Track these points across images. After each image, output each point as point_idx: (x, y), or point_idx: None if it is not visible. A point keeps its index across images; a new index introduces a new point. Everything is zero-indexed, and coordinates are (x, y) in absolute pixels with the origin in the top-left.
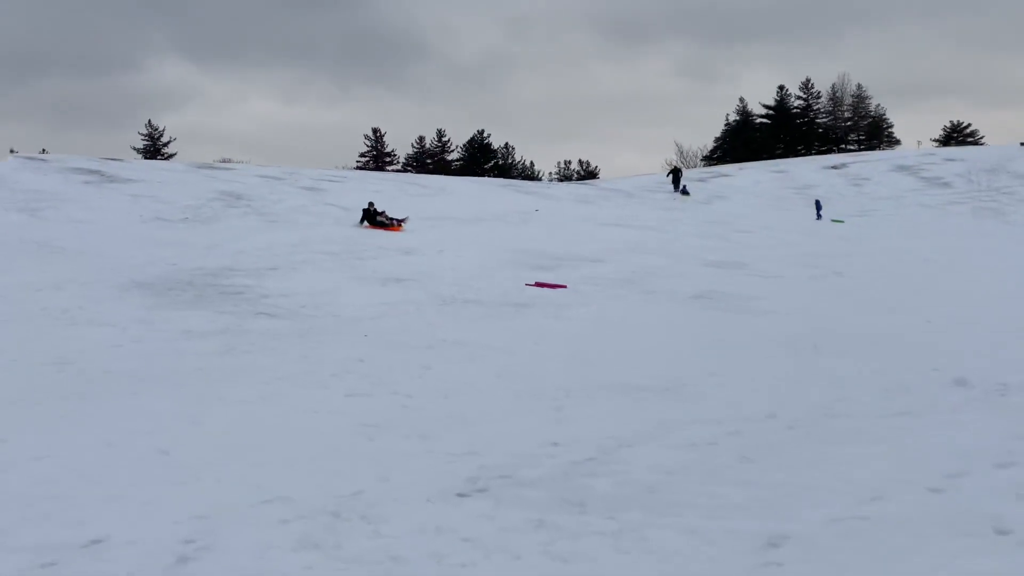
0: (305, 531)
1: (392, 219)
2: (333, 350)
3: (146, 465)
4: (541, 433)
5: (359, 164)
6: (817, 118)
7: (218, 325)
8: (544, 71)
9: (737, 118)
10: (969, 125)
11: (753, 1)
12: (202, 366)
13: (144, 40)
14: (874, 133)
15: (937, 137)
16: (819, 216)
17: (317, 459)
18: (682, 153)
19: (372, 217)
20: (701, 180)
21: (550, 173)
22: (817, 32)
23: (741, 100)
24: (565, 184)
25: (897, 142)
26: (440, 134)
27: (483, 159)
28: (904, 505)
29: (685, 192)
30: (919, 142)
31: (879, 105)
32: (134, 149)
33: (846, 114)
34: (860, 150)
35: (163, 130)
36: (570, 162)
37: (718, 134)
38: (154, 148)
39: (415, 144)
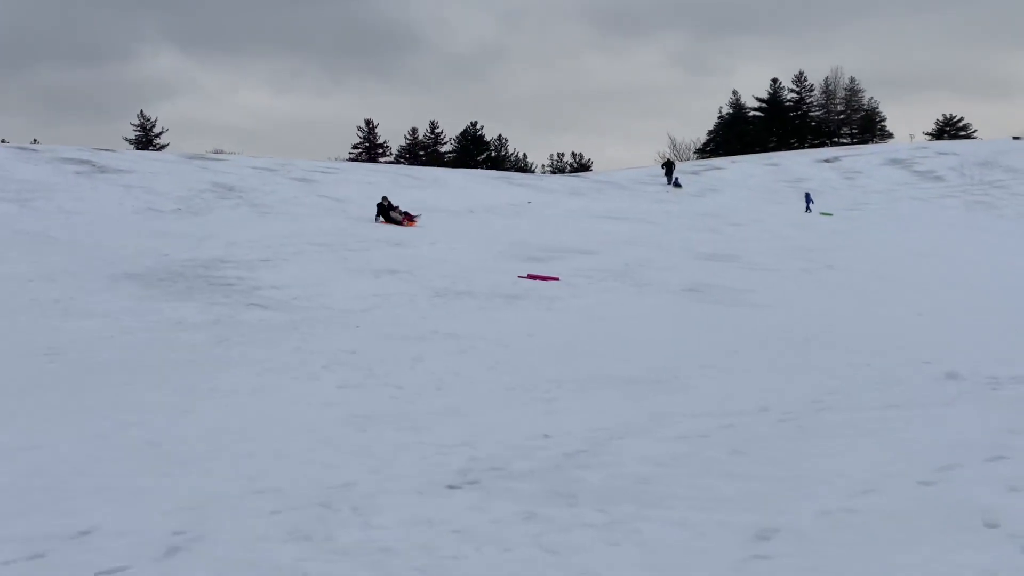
0: (296, 522)
1: (406, 213)
2: (325, 342)
3: (136, 456)
4: (533, 425)
5: (351, 156)
6: (810, 111)
7: (209, 316)
8: (537, 63)
9: (730, 111)
10: (962, 119)
11: None
12: (193, 357)
13: (136, 30)
14: (867, 126)
15: (930, 131)
16: (808, 209)
17: (308, 450)
18: (675, 146)
19: (386, 212)
20: (694, 173)
21: (543, 165)
22: (810, 25)
23: (734, 93)
24: (558, 176)
25: (890, 135)
26: (433, 126)
27: (476, 151)
28: (895, 498)
29: (677, 184)
30: (912, 135)
31: (872, 98)
32: (126, 140)
33: (839, 107)
34: (853, 143)
35: (155, 121)
36: (563, 154)
37: (711, 127)
38: (146, 139)
39: (408, 136)
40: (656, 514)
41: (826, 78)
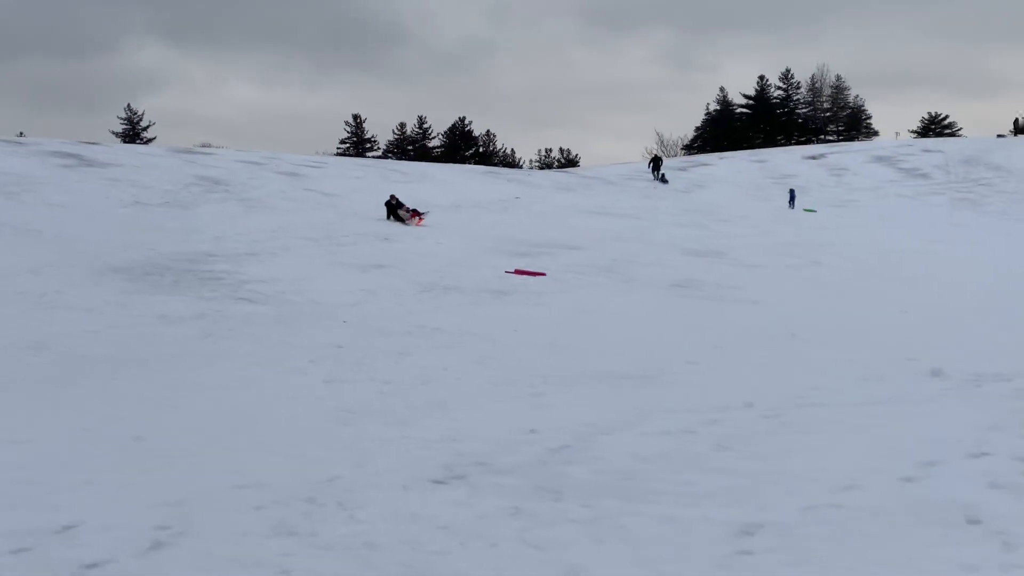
0: (281, 517)
1: (414, 211)
2: (312, 336)
3: (121, 450)
4: (518, 420)
5: (339, 150)
6: (797, 108)
7: (196, 310)
8: (525, 58)
9: (718, 107)
10: (947, 117)
11: None
12: (179, 351)
13: (122, 22)
14: (853, 124)
15: (915, 128)
16: (792, 205)
17: (294, 445)
18: (663, 142)
19: (394, 210)
20: (681, 169)
21: (531, 161)
22: (797, 22)
23: (722, 90)
24: (546, 172)
25: (875, 133)
26: (421, 121)
27: (464, 146)
28: (877, 494)
29: (664, 180)
30: (897, 133)
31: (858, 96)
32: (113, 133)
33: (825, 105)
34: (839, 140)
35: (142, 114)
36: (551, 150)
37: (699, 123)
38: (133, 132)
39: (396, 131)
40: (641, 509)
41: (812, 75)
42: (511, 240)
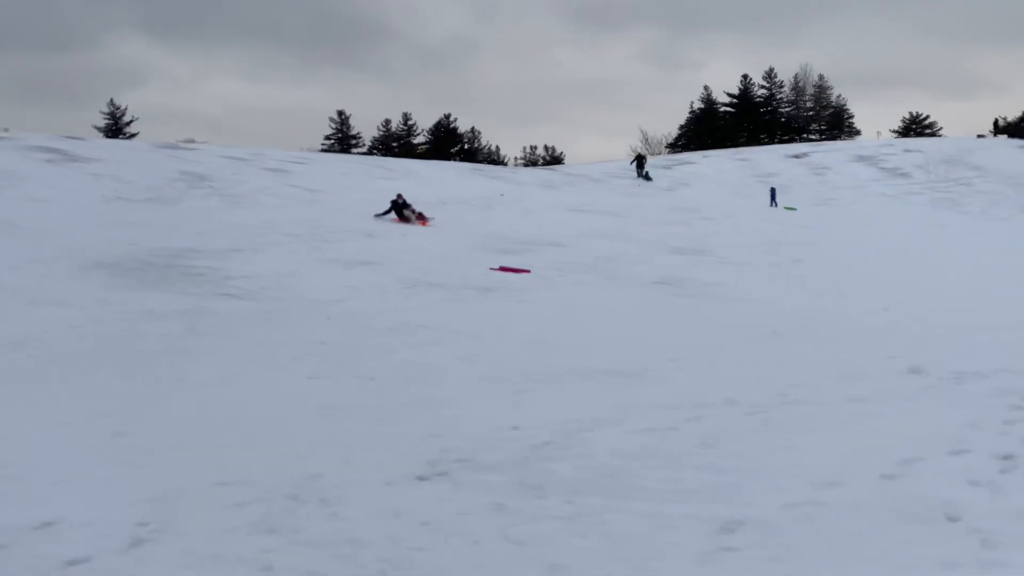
0: (263, 514)
1: (419, 214)
2: (296, 332)
3: (102, 447)
4: (502, 417)
5: (324, 147)
6: (780, 107)
7: (179, 306)
8: (511, 55)
9: (701, 106)
10: (928, 116)
11: None
12: (162, 347)
13: (104, 15)
14: (835, 123)
15: (896, 128)
16: (773, 203)
17: (277, 441)
18: (647, 140)
19: (400, 210)
20: (665, 167)
21: (516, 158)
22: (781, 22)
23: (706, 88)
24: (531, 169)
25: (857, 132)
26: (406, 117)
27: (449, 143)
28: (858, 491)
29: (648, 178)
30: (879, 133)
31: (840, 96)
32: (96, 128)
33: (808, 104)
34: (822, 140)
35: (125, 109)
36: (536, 147)
37: (683, 121)
38: (116, 127)
39: (381, 127)
40: (624, 506)
41: (795, 75)
42: (496, 237)
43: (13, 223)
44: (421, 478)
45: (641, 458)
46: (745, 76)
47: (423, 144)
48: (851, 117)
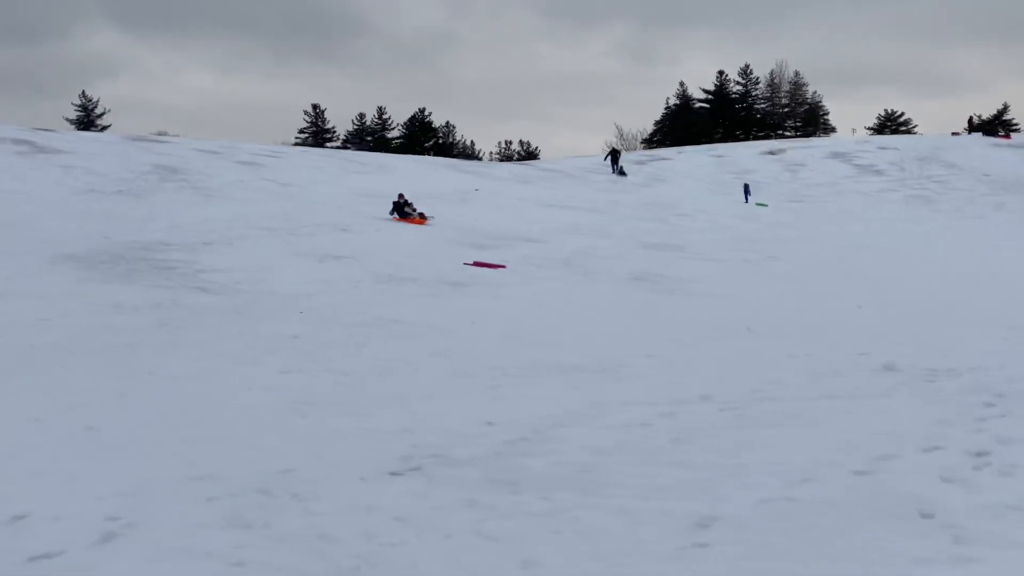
0: (234, 509)
1: (420, 213)
2: (268, 326)
3: (72, 440)
4: (476, 412)
5: (298, 140)
6: (755, 104)
7: (150, 300)
8: (486, 49)
9: (677, 102)
10: (903, 114)
11: None
12: (133, 341)
13: (74, 6)
14: (810, 120)
15: (871, 125)
16: (747, 200)
17: (248, 436)
18: (622, 135)
19: (401, 209)
20: (640, 163)
21: (491, 153)
22: (757, 18)
23: (681, 84)
24: (506, 164)
25: (833, 129)
26: (381, 111)
27: (424, 137)
28: (832, 487)
29: (622, 173)
30: (854, 130)
31: (815, 92)
32: (67, 120)
33: (783, 100)
34: (797, 136)
35: (97, 101)
36: (511, 142)
37: (658, 117)
38: (88, 119)
39: (355, 121)
40: (598, 502)
41: (771, 71)
42: (470, 232)
43: None
44: (394, 473)
45: (615, 454)
46: (721, 72)
47: (397, 138)
48: (826, 114)
